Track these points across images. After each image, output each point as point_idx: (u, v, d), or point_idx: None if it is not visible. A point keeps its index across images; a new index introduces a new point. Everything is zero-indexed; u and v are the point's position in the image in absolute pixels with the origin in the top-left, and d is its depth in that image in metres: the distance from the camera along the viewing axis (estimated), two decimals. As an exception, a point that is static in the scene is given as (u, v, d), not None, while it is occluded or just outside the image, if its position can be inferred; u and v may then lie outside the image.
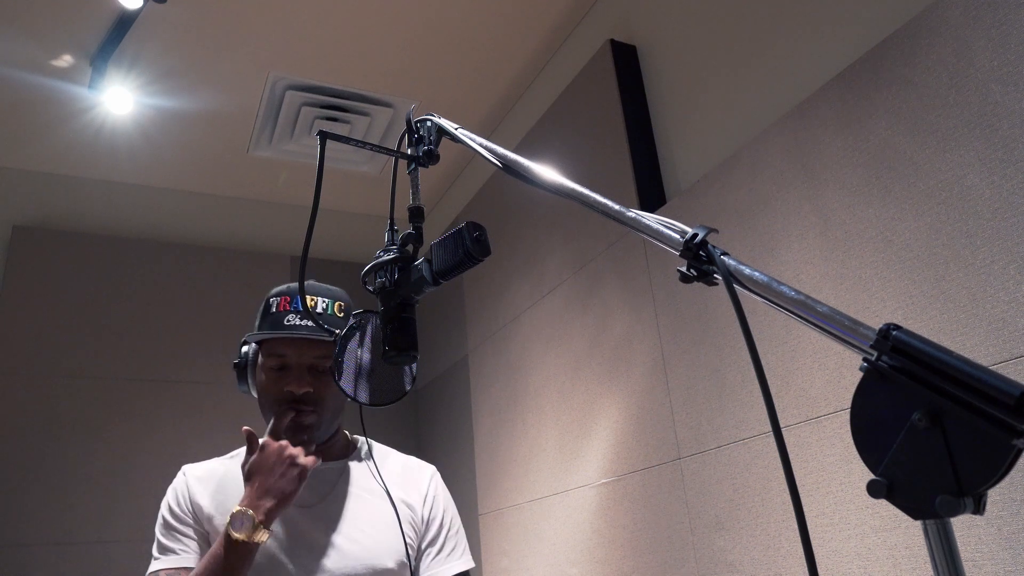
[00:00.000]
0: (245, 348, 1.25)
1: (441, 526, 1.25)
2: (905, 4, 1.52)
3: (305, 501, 1.17)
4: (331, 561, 1.14)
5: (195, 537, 1.17)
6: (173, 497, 1.20)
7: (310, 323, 1.20)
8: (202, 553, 1.14)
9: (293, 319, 1.21)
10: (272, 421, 1.19)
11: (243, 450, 1.24)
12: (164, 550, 1.16)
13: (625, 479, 2.12)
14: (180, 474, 1.23)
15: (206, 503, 1.18)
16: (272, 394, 1.20)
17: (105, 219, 3.47)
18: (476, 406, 3.15)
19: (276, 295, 1.25)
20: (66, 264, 3.28)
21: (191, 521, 1.17)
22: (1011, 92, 1.26)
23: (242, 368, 1.24)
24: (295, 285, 1.19)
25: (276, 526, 1.14)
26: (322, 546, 1.15)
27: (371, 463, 1.28)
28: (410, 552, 1.20)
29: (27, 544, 2.85)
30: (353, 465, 1.26)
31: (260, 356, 1.24)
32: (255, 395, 1.24)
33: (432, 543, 1.23)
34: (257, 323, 1.25)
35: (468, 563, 1.25)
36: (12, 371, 3.04)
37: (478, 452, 3.07)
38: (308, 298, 1.22)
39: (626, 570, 2.08)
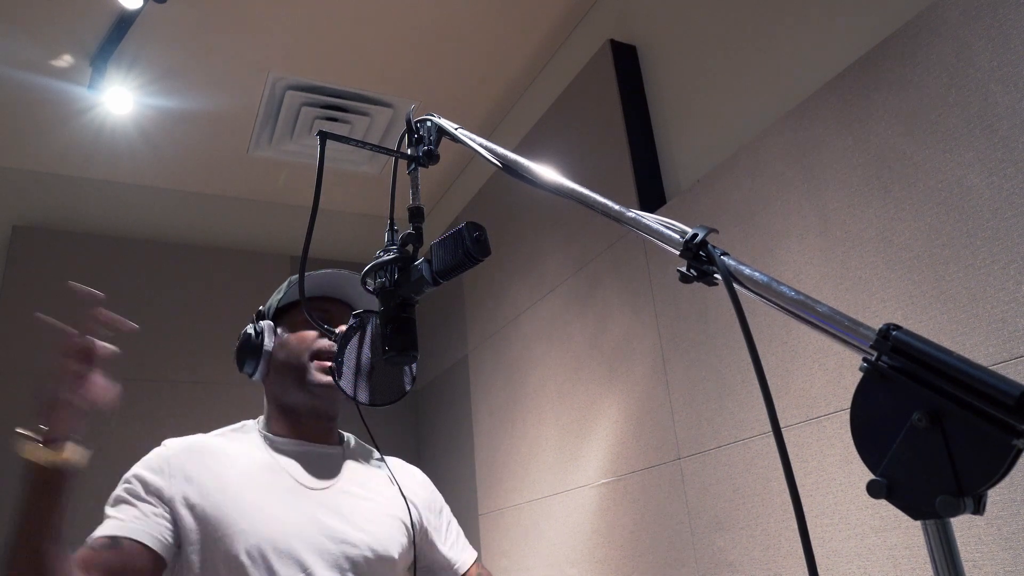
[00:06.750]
0: (252, 328, 1.23)
1: (450, 517, 1.33)
2: (905, 4, 1.52)
3: (312, 484, 1.16)
4: (341, 547, 1.11)
5: (152, 512, 1.05)
6: (147, 467, 1.09)
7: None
8: (156, 534, 1.03)
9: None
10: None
11: (228, 428, 1.23)
12: (107, 519, 1.05)
13: (625, 479, 2.12)
14: (163, 446, 1.14)
15: (190, 478, 1.09)
16: (312, 339, 1.20)
17: (105, 219, 3.46)
18: (476, 406, 3.15)
19: (305, 273, 1.24)
20: (66, 264, 3.27)
21: (159, 497, 1.06)
22: (1011, 92, 1.26)
23: (255, 346, 1.21)
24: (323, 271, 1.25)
25: (284, 508, 1.10)
26: (332, 531, 1.12)
27: (374, 457, 1.31)
28: (415, 546, 1.22)
29: (27, 544, 2.84)
30: (349, 454, 1.27)
31: (290, 318, 1.23)
32: (267, 369, 1.22)
33: (448, 531, 1.30)
34: (282, 295, 1.25)
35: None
36: (12, 371, 3.04)
37: (478, 452, 3.07)
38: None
39: (626, 570, 2.08)
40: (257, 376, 1.23)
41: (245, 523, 1.06)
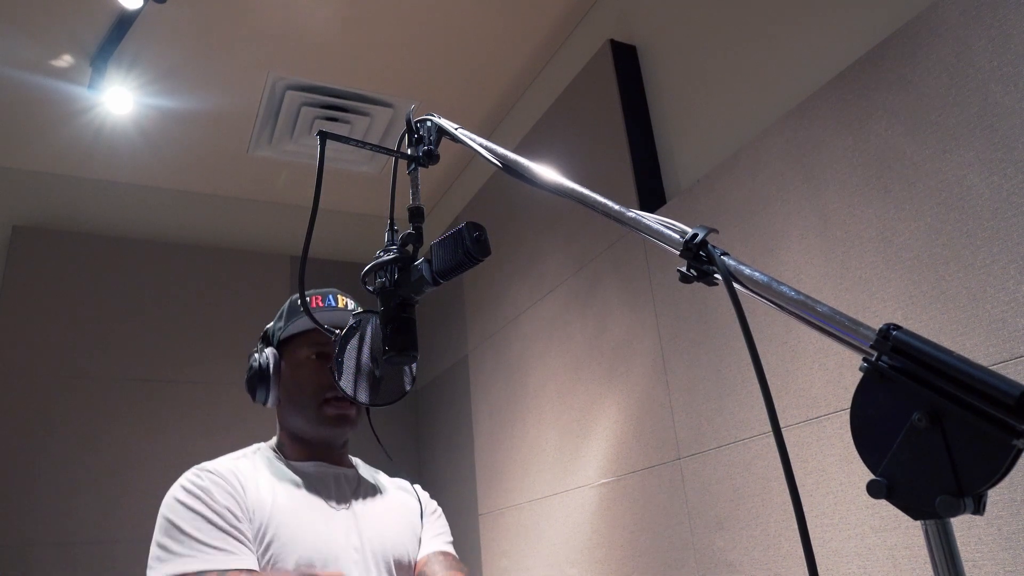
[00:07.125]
0: (258, 357, 1.25)
1: (444, 521, 1.37)
2: (905, 4, 1.52)
3: (336, 504, 1.21)
4: (376, 554, 1.18)
5: (247, 537, 1.06)
6: (217, 490, 1.08)
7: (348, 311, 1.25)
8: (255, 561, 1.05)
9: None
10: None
11: (245, 451, 1.25)
12: (207, 548, 1.02)
13: (625, 479, 2.12)
14: (202, 471, 1.12)
15: (243, 496, 1.10)
16: (315, 382, 1.21)
17: (105, 219, 3.46)
18: (476, 406, 3.15)
19: (306, 294, 1.24)
20: (66, 264, 3.28)
21: (240, 516, 1.07)
22: (1011, 92, 1.26)
23: (263, 376, 1.22)
24: (325, 289, 1.27)
25: (319, 521, 1.14)
26: (365, 540, 1.18)
27: (382, 476, 1.37)
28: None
29: (29, 544, 2.85)
30: (361, 474, 1.32)
31: (290, 352, 1.24)
32: (279, 399, 1.24)
33: (439, 534, 1.34)
34: (282, 324, 1.26)
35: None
36: (12, 371, 3.04)
37: (478, 452, 3.07)
38: (339, 297, 1.27)
39: (626, 570, 2.08)
40: (270, 404, 1.26)
41: (293, 531, 1.11)
